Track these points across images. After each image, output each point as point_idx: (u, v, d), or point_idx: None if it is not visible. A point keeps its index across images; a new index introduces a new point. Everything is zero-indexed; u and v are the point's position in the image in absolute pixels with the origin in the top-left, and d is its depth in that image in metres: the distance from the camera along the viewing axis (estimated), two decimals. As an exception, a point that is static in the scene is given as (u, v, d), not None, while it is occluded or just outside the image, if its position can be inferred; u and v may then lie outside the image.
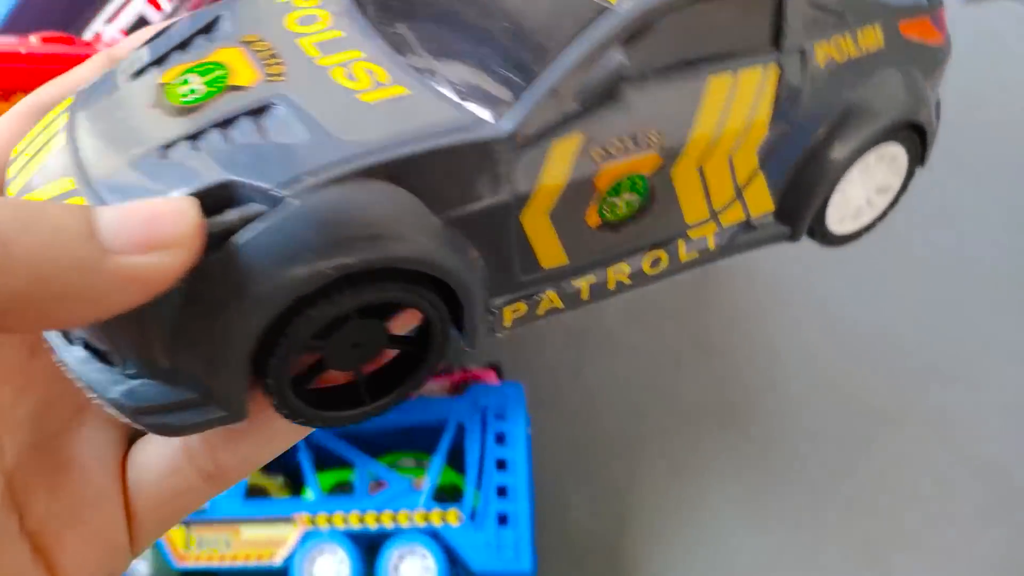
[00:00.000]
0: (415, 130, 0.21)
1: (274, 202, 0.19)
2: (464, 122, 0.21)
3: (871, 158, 0.29)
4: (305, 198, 0.19)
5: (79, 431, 0.22)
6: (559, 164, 0.22)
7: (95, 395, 0.20)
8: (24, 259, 0.15)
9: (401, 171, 0.20)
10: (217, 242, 0.18)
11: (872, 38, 0.28)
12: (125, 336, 0.20)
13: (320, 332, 0.20)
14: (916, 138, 0.30)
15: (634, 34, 0.23)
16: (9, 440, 0.21)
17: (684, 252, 0.27)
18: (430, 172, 0.21)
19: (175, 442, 0.22)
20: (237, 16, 0.23)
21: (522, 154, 0.22)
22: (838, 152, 0.28)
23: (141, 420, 0.20)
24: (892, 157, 0.30)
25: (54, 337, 0.21)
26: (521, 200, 0.22)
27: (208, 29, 0.23)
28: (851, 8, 0.27)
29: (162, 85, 0.21)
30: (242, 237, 0.19)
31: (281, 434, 0.22)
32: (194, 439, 0.22)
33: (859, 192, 0.30)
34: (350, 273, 0.19)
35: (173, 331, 0.19)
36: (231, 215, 0.19)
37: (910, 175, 0.31)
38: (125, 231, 0.16)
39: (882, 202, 0.31)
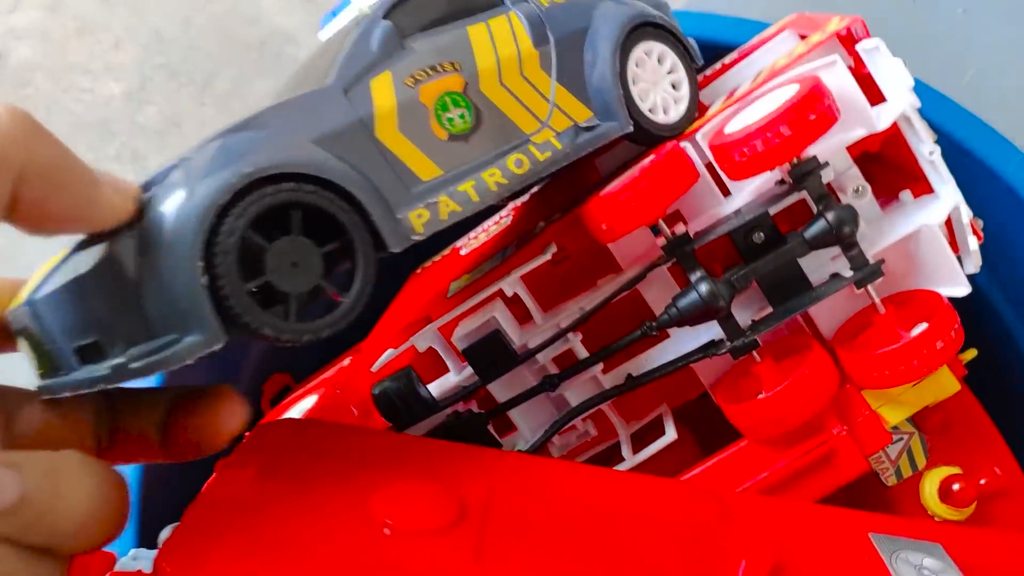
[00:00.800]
0: (270, 104, 0.30)
1: (176, 166, 0.27)
2: (304, 89, 0.31)
3: (639, 56, 0.39)
4: (196, 152, 0.27)
5: None
6: (381, 92, 0.31)
7: (102, 384, 0.26)
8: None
9: (268, 119, 0.29)
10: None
11: None
12: (110, 315, 0.26)
13: (256, 252, 0.26)
14: (670, 37, 0.41)
15: (391, 9, 0.34)
16: None
17: (539, 153, 0.35)
18: (290, 115, 0.30)
19: None
20: None
21: (351, 91, 0.31)
22: (602, 58, 0.37)
23: (144, 369, 0.25)
24: (660, 54, 0.40)
25: (54, 380, 0.27)
26: (367, 121, 0.31)
27: None
28: None
29: None
30: (161, 192, 0.26)
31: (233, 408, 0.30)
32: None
33: (653, 88, 0.39)
34: (253, 182, 0.26)
35: (144, 293, 0.25)
36: (154, 189, 0.27)
37: (690, 69, 0.41)
38: (104, 176, 0.25)
39: (685, 92, 0.40)
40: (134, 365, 0.25)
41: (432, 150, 0.32)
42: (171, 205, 0.25)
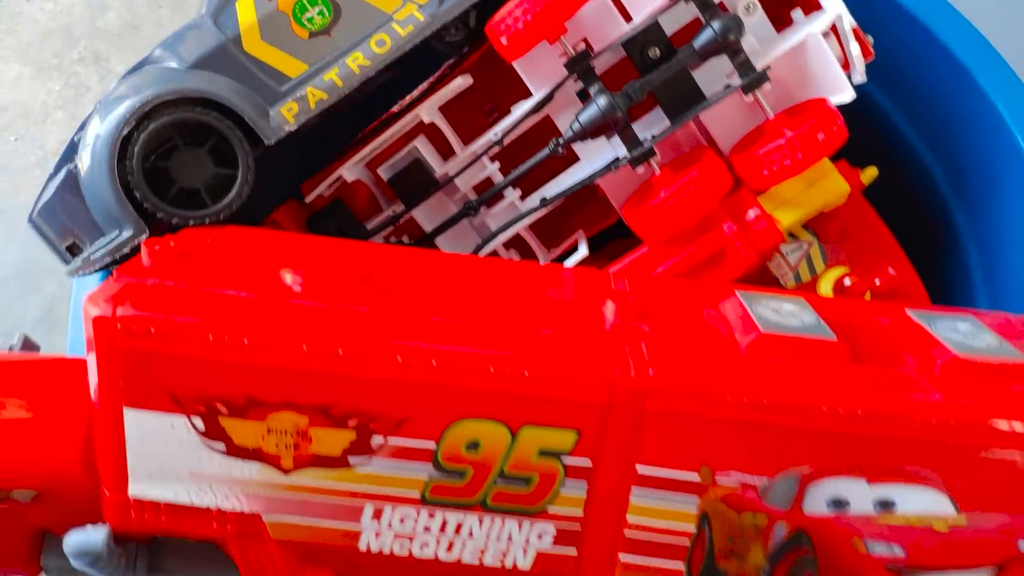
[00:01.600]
0: (163, 40, 0.39)
1: (94, 112, 0.37)
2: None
3: None
4: (106, 98, 0.37)
5: None
6: (244, 10, 0.38)
7: (85, 271, 0.38)
8: None
9: (159, 55, 0.38)
10: None
11: None
12: (75, 222, 0.38)
13: (160, 155, 0.36)
14: None
15: None
16: None
17: (401, 29, 0.38)
18: (174, 48, 0.38)
19: None
20: None
21: (220, 16, 0.38)
22: None
23: (102, 260, 0.37)
24: None
25: (67, 267, 0.40)
26: (234, 39, 0.38)
27: None
28: None
29: None
30: (85, 134, 0.37)
31: None
32: None
33: None
34: (147, 112, 0.36)
35: (90, 206, 0.37)
36: (81, 133, 0.38)
37: None
38: None
39: None
40: (94, 256, 0.36)
41: (296, 49, 0.38)
42: (90, 142, 0.36)
